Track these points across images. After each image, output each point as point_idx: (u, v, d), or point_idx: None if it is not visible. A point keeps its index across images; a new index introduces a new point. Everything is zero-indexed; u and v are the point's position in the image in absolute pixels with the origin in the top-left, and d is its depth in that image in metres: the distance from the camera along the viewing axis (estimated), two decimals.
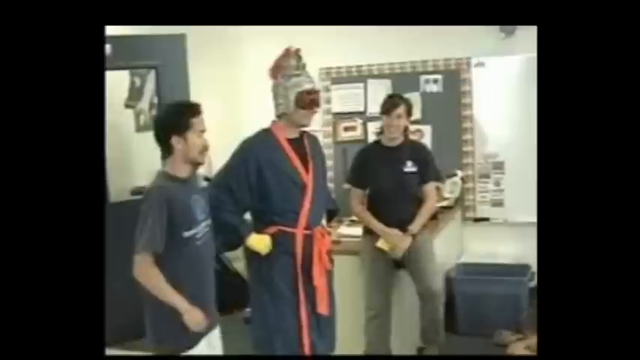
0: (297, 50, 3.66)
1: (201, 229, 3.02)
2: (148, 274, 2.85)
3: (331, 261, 3.73)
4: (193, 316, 2.86)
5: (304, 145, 3.67)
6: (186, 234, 2.93)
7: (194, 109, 3.01)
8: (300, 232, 3.56)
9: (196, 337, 2.98)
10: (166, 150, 2.98)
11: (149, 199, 2.90)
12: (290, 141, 3.61)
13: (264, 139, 3.60)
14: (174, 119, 2.97)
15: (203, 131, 3.01)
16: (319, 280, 3.58)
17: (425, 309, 4.20)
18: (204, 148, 3.01)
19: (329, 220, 4.03)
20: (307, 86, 3.57)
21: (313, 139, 3.79)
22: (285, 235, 3.54)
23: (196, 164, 3.05)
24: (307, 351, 3.56)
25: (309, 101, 3.56)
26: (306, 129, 3.71)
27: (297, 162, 3.59)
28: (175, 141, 2.93)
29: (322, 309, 3.59)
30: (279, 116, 3.63)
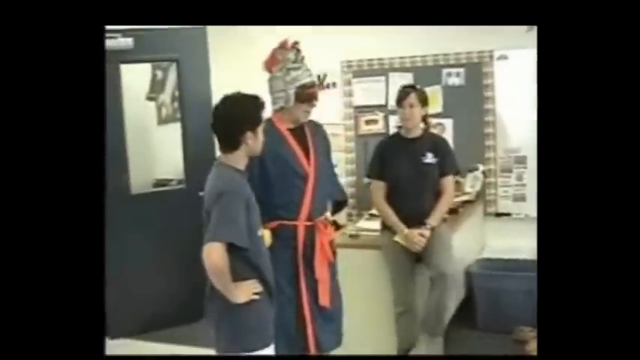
0: (295, 43, 3.63)
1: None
2: (219, 262, 2.73)
3: (334, 252, 3.68)
4: (244, 292, 2.85)
5: (305, 133, 3.64)
6: (260, 233, 2.93)
7: (261, 103, 2.96)
8: (301, 224, 3.53)
9: (271, 336, 2.99)
10: (234, 145, 2.90)
11: (231, 195, 2.81)
12: (291, 131, 3.60)
13: (265, 129, 3.57)
14: (251, 114, 2.91)
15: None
16: (321, 272, 3.54)
17: (432, 293, 4.08)
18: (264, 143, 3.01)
19: (337, 210, 3.97)
20: (307, 80, 3.55)
21: (315, 127, 3.74)
22: (286, 229, 3.51)
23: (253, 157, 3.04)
24: (311, 344, 3.53)
25: (309, 95, 3.54)
26: (311, 118, 3.68)
27: (298, 152, 3.57)
28: (249, 136, 2.88)
29: (324, 301, 3.55)
30: (277, 110, 3.61)
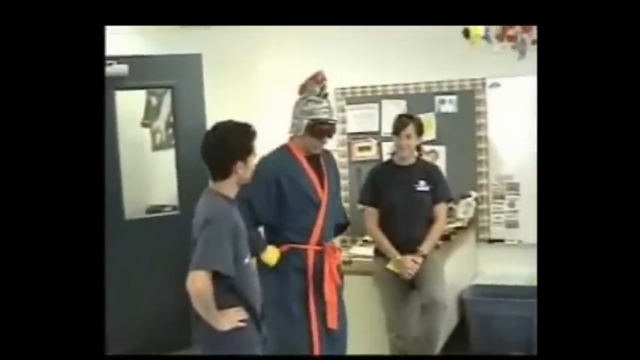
0: (323, 78, 3.70)
1: (249, 253, 3.00)
2: (204, 291, 2.72)
3: (341, 276, 3.77)
4: (228, 320, 2.83)
5: (320, 161, 3.74)
6: (246, 260, 2.91)
7: (253, 132, 2.93)
8: (311, 249, 3.62)
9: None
10: (224, 173, 2.88)
11: (217, 223, 2.79)
12: (307, 158, 3.69)
13: (282, 156, 3.67)
14: (240, 145, 2.88)
15: (255, 153, 2.97)
16: (330, 295, 3.63)
17: (423, 319, 4.10)
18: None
19: (339, 233, 4.04)
20: (322, 116, 3.62)
21: (328, 155, 3.86)
22: (296, 252, 3.61)
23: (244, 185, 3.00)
24: None
25: (320, 131, 3.62)
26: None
27: (314, 179, 3.66)
28: (239, 166, 2.86)
29: (332, 324, 3.63)
30: (293, 137, 3.69)
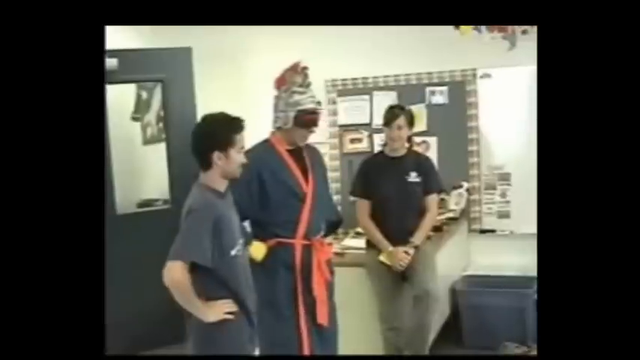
0: (305, 67, 3.66)
1: (241, 245, 2.98)
2: (180, 281, 2.73)
3: (331, 272, 3.72)
4: (214, 311, 2.83)
5: (303, 155, 3.69)
6: (233, 252, 2.88)
7: (238, 125, 2.91)
8: (298, 243, 3.57)
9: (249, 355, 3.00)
10: (205, 164, 2.87)
11: (198, 213, 2.79)
12: (290, 152, 3.64)
13: (264, 150, 3.62)
14: (218, 135, 2.86)
15: (243, 147, 2.94)
16: (319, 290, 3.58)
17: (416, 311, 4.11)
18: (242, 165, 2.95)
19: (333, 230, 4.01)
20: (309, 106, 3.58)
21: (312, 150, 3.81)
22: (283, 247, 3.55)
23: (232, 179, 2.97)
24: None
25: (308, 121, 3.58)
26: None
27: (297, 172, 3.62)
28: (217, 157, 2.84)
29: (322, 319, 3.58)
30: (276, 131, 3.65)
